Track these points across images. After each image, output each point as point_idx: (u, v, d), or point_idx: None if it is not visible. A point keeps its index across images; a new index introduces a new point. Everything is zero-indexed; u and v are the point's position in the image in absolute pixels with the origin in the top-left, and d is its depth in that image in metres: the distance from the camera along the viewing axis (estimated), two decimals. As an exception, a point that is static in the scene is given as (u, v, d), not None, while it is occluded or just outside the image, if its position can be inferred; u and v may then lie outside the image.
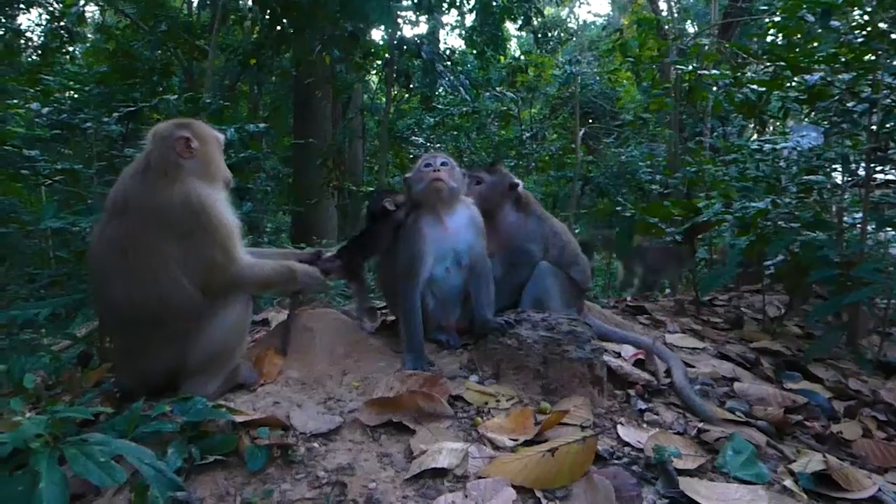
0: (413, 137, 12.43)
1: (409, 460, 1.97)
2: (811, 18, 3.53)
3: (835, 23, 3.47)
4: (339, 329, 2.71)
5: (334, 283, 4.00)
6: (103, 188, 3.62)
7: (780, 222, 3.55)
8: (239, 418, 2.03)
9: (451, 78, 8.19)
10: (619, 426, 2.28)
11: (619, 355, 2.92)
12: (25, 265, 3.42)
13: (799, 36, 3.66)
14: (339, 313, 2.89)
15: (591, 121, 12.15)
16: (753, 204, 3.63)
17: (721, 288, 4.87)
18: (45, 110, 4.18)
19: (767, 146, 4.30)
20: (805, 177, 3.75)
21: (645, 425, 2.35)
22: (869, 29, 3.38)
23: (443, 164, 2.70)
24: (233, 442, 1.92)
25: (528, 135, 11.56)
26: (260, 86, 7.67)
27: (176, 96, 4.10)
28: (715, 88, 5.72)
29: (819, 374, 3.10)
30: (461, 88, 8.51)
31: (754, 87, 4.16)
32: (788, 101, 4.23)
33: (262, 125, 3.98)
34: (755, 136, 7.27)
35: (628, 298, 4.72)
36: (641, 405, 2.48)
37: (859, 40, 3.42)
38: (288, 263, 2.52)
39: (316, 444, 2.02)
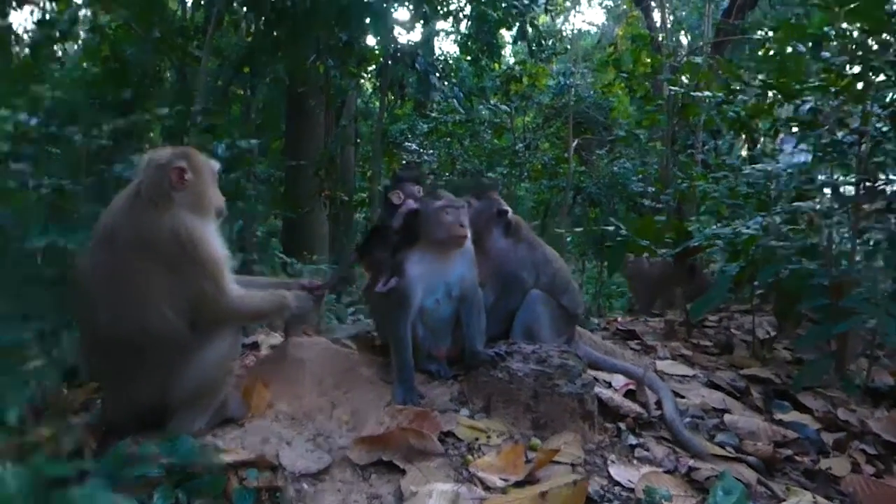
0: (406, 143, 12.43)
1: (400, 502, 1.96)
2: (802, 49, 3.55)
3: (825, 53, 3.49)
4: (329, 359, 2.69)
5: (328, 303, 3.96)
6: (93, 206, 3.59)
7: (772, 242, 3.55)
8: (227, 458, 2.01)
9: (445, 90, 8.19)
10: (610, 464, 2.28)
11: (609, 385, 2.92)
12: (11, 283, 3.34)
13: (789, 64, 3.67)
14: (329, 342, 2.87)
15: (584, 131, 12.17)
16: (745, 230, 3.64)
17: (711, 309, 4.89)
18: (34, 122, 4.12)
19: (758, 166, 4.32)
20: (795, 203, 3.76)
21: (636, 462, 2.35)
22: (859, 59, 3.40)
23: (464, 217, 2.65)
24: (221, 484, 1.90)
25: (521, 145, 11.55)
26: (253, 89, 7.62)
27: (167, 109, 4.03)
28: (706, 103, 5.77)
29: (808, 403, 3.10)
30: (455, 100, 8.51)
31: (743, 112, 4.17)
32: (780, 123, 4.25)
33: (253, 141, 3.94)
34: (745, 152, 7.30)
35: (619, 319, 4.71)
36: (632, 440, 2.48)
37: (850, 71, 3.44)
38: (278, 292, 2.49)
39: (305, 485, 2.01)
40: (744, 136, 6.91)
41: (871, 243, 3.43)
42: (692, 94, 4.98)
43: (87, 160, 3.91)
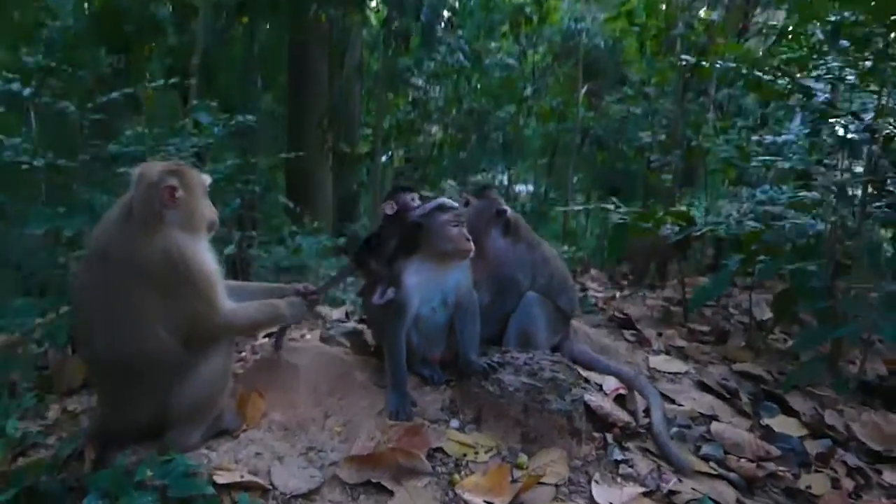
0: (413, 79, 12.15)
1: (387, 525, 2.03)
2: (821, 36, 3.41)
3: (844, 42, 3.35)
4: (323, 364, 2.73)
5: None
6: (88, 186, 3.57)
7: (777, 222, 3.52)
8: (220, 479, 2.07)
9: (451, 42, 7.94)
10: (593, 483, 2.33)
11: (601, 388, 2.96)
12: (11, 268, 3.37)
13: (807, 50, 3.54)
14: (323, 346, 2.91)
15: (594, 76, 11.86)
16: (749, 223, 3.60)
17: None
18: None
19: (769, 138, 4.24)
20: (801, 192, 3.70)
21: (619, 480, 2.41)
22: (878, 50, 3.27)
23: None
24: (214, 507, 1.97)
25: (530, 87, 11.28)
26: (253, 35, 7.40)
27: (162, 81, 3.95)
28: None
29: (796, 405, 3.14)
30: (460, 53, 8.26)
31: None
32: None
33: (250, 117, 3.86)
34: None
35: (617, 297, 4.74)
36: (618, 455, 2.53)
37: (867, 63, 3.31)
38: (271, 301, 2.51)
39: (295, 507, 2.08)
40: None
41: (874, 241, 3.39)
42: (704, 63, 4.79)
43: (80, 134, 3.85)
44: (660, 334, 3.80)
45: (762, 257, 3.59)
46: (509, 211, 3.08)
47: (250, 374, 2.68)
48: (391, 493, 2.15)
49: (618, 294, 4.92)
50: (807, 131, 3.71)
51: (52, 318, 3.21)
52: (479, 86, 11.62)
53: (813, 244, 3.41)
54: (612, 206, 4.35)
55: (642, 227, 4.09)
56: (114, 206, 2.33)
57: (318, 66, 7.95)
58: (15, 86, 3.65)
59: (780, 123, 5.98)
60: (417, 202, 2.83)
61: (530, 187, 21.47)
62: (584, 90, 10.78)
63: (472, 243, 2.61)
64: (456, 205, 2.66)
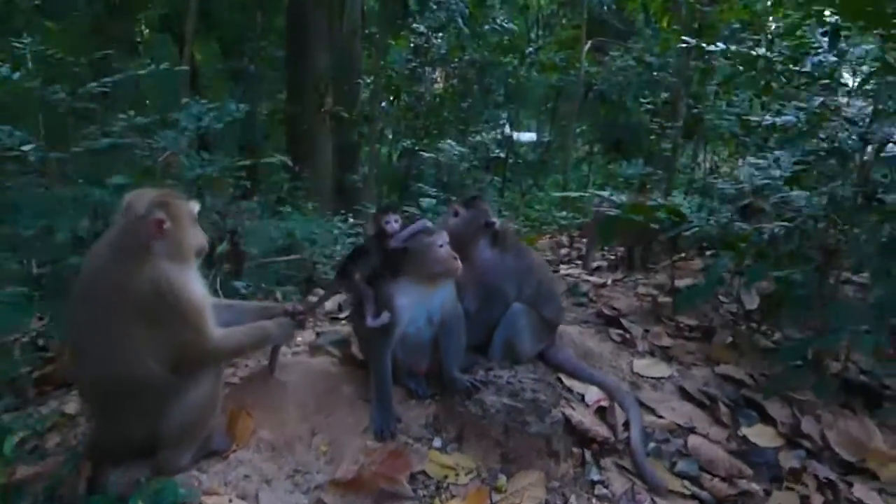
0: (415, 24, 11.86)
1: (367, 554, 2.13)
2: (823, 39, 3.33)
3: (843, 46, 3.28)
4: (311, 381, 2.80)
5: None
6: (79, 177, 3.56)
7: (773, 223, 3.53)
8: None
9: (453, 6, 7.71)
10: (569, 506, 2.44)
11: (583, 399, 3.03)
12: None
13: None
14: (311, 362, 2.97)
15: (600, 31, 11.58)
16: (740, 224, 3.61)
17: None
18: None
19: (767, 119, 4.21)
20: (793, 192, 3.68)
21: (595, 500, 2.51)
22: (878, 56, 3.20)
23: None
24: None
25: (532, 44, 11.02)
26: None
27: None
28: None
29: (774, 412, 3.21)
30: (459, 18, 8.03)
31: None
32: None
33: (242, 105, 3.82)
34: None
35: (609, 283, 4.78)
36: (594, 475, 2.63)
37: (864, 67, 3.26)
38: (259, 324, 2.56)
39: (281, 534, 2.18)
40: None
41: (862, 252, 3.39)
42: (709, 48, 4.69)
43: (73, 120, 3.82)
44: (647, 331, 3.84)
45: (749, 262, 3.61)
46: (497, 222, 3.09)
47: (239, 392, 2.75)
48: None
49: (610, 280, 4.96)
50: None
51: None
52: (479, 42, 11.31)
53: (801, 250, 3.42)
54: (606, 194, 4.33)
55: (633, 220, 4.09)
56: (104, 234, 2.35)
57: (317, 27, 7.77)
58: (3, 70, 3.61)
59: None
60: (398, 224, 2.84)
61: (533, 135, 21.30)
62: (588, 45, 10.52)
63: (459, 262, 2.64)
64: (437, 228, 2.69)
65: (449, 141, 10.12)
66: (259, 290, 3.86)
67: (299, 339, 3.32)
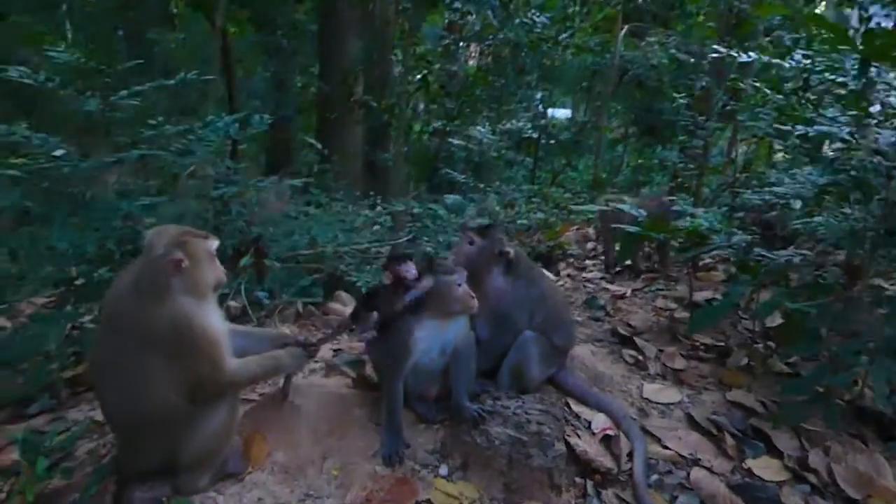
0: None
1: (370, 583, 2.25)
2: (848, 66, 3.27)
3: (873, 72, 3.22)
4: (325, 404, 2.92)
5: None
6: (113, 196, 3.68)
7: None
8: (224, 528, 2.31)
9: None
10: (566, 541, 2.52)
11: (589, 425, 3.10)
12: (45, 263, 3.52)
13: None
14: (326, 384, 3.08)
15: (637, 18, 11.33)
16: (765, 253, 3.59)
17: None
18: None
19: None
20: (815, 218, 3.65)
21: (592, 534, 2.60)
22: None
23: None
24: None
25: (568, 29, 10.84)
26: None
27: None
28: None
29: (782, 444, 3.24)
30: (490, 12, 7.93)
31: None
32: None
33: (266, 117, 3.90)
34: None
35: (627, 294, 4.79)
36: (594, 507, 2.71)
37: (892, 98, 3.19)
38: (272, 354, 2.66)
39: (290, 560, 2.31)
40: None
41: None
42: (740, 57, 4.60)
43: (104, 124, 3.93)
44: (661, 351, 3.88)
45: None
46: (511, 252, 3.14)
47: (255, 414, 2.87)
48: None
49: (629, 291, 4.97)
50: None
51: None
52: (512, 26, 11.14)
53: (820, 282, 3.41)
54: (626, 207, 4.32)
55: (653, 237, 4.10)
56: (125, 271, 2.46)
57: (349, 8, 7.77)
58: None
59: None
60: (413, 272, 2.89)
61: (568, 112, 21.03)
62: (624, 30, 10.33)
63: (476, 300, 2.74)
64: (455, 267, 2.76)
65: (479, 128, 10.09)
66: (280, 300, 3.98)
67: (319, 354, 3.44)
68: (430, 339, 2.81)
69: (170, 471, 2.49)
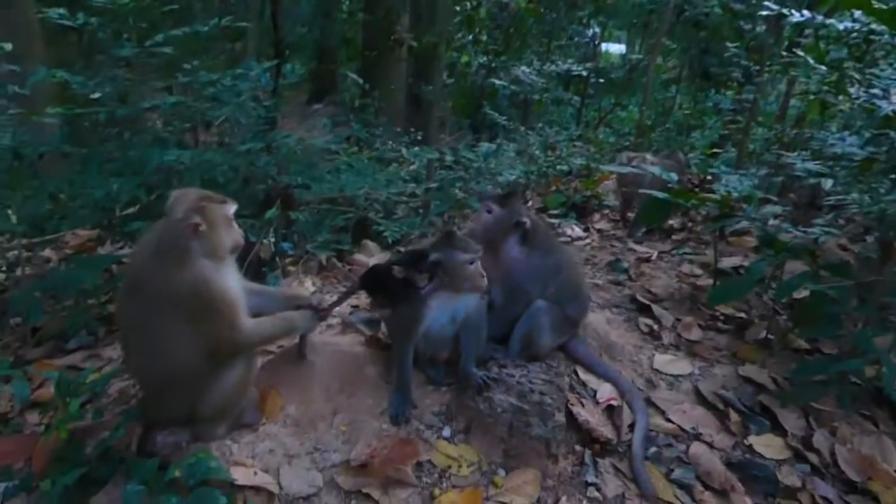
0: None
1: (369, 537, 2.42)
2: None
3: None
4: (337, 362, 3.05)
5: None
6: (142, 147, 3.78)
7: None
8: (237, 476, 2.48)
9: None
10: (558, 507, 2.64)
11: (594, 395, 3.18)
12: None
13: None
14: (340, 342, 3.19)
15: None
16: (792, 229, 3.52)
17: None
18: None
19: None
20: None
21: (585, 502, 2.71)
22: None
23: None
24: (228, 511, 2.39)
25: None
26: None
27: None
28: None
29: (788, 423, 3.27)
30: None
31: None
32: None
33: (298, 67, 3.91)
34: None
35: (654, 257, 4.76)
36: (590, 476, 2.80)
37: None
38: (286, 315, 2.79)
39: (296, 509, 2.49)
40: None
41: None
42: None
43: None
44: (678, 320, 3.89)
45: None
46: (528, 223, 3.16)
47: (271, 368, 3.03)
48: (378, 503, 2.53)
49: (655, 254, 4.93)
50: None
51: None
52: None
53: (843, 265, 3.35)
54: (654, 170, 4.23)
55: (680, 204, 4.05)
56: (149, 232, 2.58)
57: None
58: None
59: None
60: (425, 282, 2.82)
61: (622, 47, 20.27)
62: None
63: (486, 280, 2.80)
64: (471, 244, 2.81)
65: (523, 68, 9.86)
66: (307, 251, 4.09)
67: (336, 309, 3.56)
68: (442, 308, 2.89)
69: (190, 419, 2.67)
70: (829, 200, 3.70)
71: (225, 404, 2.65)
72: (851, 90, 4.54)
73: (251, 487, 2.48)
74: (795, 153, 4.98)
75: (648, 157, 5.35)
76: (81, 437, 2.68)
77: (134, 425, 2.72)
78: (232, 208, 2.61)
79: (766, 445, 3.15)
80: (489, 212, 3.18)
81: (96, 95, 3.77)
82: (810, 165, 3.88)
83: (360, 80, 8.90)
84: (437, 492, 2.61)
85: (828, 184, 3.55)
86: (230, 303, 2.53)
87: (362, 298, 3.70)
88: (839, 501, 2.97)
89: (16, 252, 3.64)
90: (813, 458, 3.12)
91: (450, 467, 2.73)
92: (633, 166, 4.63)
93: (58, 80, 3.64)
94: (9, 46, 3.80)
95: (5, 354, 3.12)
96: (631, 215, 5.99)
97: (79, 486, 2.48)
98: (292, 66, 3.89)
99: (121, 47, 3.82)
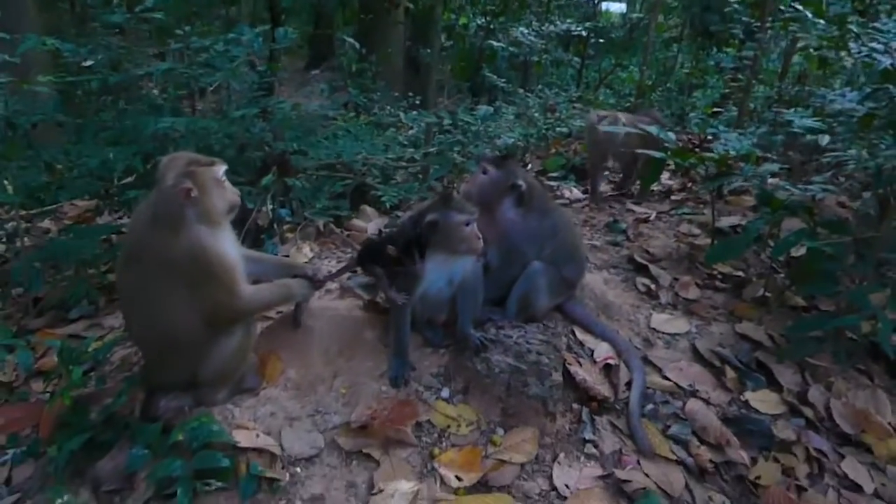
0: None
1: (370, 494, 2.47)
2: None
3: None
4: (336, 326, 3.08)
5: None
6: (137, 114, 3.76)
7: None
8: (239, 438, 2.53)
9: None
10: (555, 464, 2.69)
11: (592, 354, 3.21)
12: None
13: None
14: (338, 307, 3.21)
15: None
16: (790, 187, 3.51)
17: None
18: None
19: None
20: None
21: (582, 459, 2.76)
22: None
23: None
24: (231, 472, 2.43)
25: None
26: None
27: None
28: None
29: (784, 378, 3.30)
30: None
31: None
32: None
33: (291, 30, 3.88)
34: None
35: (652, 217, 4.76)
36: (588, 433, 2.85)
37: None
38: (284, 282, 2.81)
39: (298, 469, 2.53)
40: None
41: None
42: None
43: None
44: (675, 280, 3.90)
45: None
46: (524, 185, 3.15)
47: (270, 334, 3.05)
48: (378, 463, 2.58)
49: (654, 214, 4.93)
50: None
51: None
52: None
53: (841, 222, 3.35)
54: (653, 130, 4.20)
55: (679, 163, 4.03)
56: (145, 201, 2.59)
57: None
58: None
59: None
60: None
61: (623, 5, 19.94)
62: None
63: (482, 242, 2.81)
64: (466, 206, 2.81)
65: (522, 29, 9.74)
66: (304, 218, 4.09)
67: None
68: (438, 270, 2.90)
69: (191, 385, 2.70)
70: (827, 158, 3.68)
71: (225, 369, 2.69)
72: (853, 45, 4.50)
73: (253, 449, 2.52)
74: (792, 110, 4.95)
75: (620, 115, 5.29)
76: (85, 404, 2.73)
77: (136, 391, 2.77)
78: (221, 169, 2.59)
79: (762, 401, 3.20)
80: (485, 173, 3.18)
81: (88, 63, 3.75)
82: (809, 122, 3.85)
83: (357, 45, 8.79)
84: (436, 451, 2.66)
85: (825, 140, 3.52)
86: (228, 269, 2.55)
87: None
88: (833, 454, 3.03)
89: (14, 223, 3.65)
90: (808, 412, 3.17)
91: (449, 427, 2.77)
92: (636, 125, 4.59)
93: (49, 48, 3.60)
94: (-1, 14, 3.76)
95: (8, 325, 3.15)
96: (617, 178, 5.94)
97: (84, 451, 2.54)
98: (285, 31, 3.83)
99: (111, 14, 3.78)
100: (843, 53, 5.58)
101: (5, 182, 3.31)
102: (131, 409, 2.72)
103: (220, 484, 2.41)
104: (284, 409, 2.75)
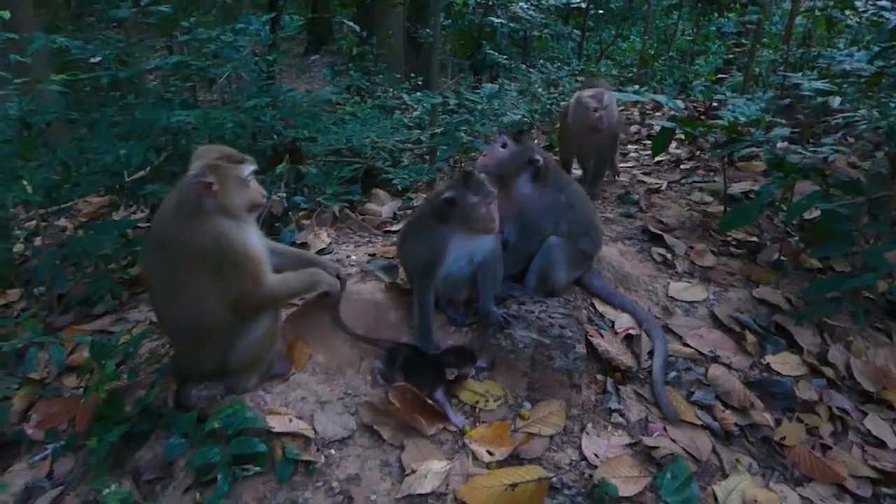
0: None
1: (403, 473, 2.52)
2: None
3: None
4: (361, 309, 3.12)
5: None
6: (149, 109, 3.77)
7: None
8: (273, 423, 2.58)
9: None
10: (584, 434, 2.73)
11: (612, 325, 3.25)
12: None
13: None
14: (361, 290, 3.24)
15: None
16: (801, 150, 3.52)
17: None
18: None
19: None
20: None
21: (610, 428, 2.80)
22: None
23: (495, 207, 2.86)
24: (266, 459, 2.49)
25: None
26: None
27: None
28: None
29: (804, 340, 3.34)
30: None
31: None
32: None
33: (296, 17, 3.87)
34: None
35: (663, 188, 4.77)
36: (613, 403, 2.89)
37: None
38: (310, 271, 2.85)
39: (332, 451, 2.58)
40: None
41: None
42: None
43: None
44: (691, 248, 3.92)
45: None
46: (541, 160, 3.17)
47: (297, 320, 3.09)
48: (403, 446, 2.62)
49: (665, 184, 4.93)
50: None
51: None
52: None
53: (854, 182, 3.35)
54: (662, 99, 4.20)
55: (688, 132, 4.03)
56: (174, 190, 2.62)
57: None
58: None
59: None
60: None
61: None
62: None
63: (497, 223, 2.85)
64: (486, 185, 2.84)
65: (521, 4, 9.66)
66: (319, 204, 4.11)
67: (353, 257, 3.62)
68: (459, 249, 2.93)
69: (222, 373, 2.75)
70: (837, 119, 3.67)
71: (254, 356, 2.73)
72: (858, 3, 4.48)
73: (288, 434, 2.57)
74: (800, 74, 4.92)
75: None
76: (120, 397, 2.78)
77: (169, 382, 2.83)
78: (249, 168, 2.62)
79: (783, 363, 3.23)
80: (504, 146, 3.20)
81: (96, 59, 3.76)
82: (817, 84, 3.85)
83: (357, 28, 8.74)
84: (466, 427, 2.70)
85: (836, 101, 3.52)
86: (253, 258, 2.58)
87: (378, 246, 3.75)
88: (856, 412, 3.07)
89: (34, 222, 3.68)
90: (829, 372, 3.21)
91: (477, 402, 2.82)
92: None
93: (58, 45, 3.61)
94: (7, 15, 3.76)
95: (35, 323, 3.19)
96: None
97: (122, 442, 2.60)
98: (290, 18, 3.84)
99: (115, 7, 3.78)
100: (848, 12, 5.55)
101: (24, 182, 3.33)
102: (164, 400, 2.77)
103: (257, 468, 2.46)
104: (315, 392, 2.79)
